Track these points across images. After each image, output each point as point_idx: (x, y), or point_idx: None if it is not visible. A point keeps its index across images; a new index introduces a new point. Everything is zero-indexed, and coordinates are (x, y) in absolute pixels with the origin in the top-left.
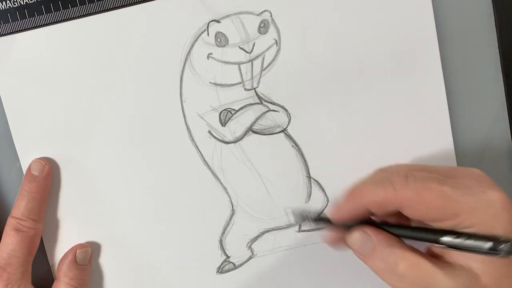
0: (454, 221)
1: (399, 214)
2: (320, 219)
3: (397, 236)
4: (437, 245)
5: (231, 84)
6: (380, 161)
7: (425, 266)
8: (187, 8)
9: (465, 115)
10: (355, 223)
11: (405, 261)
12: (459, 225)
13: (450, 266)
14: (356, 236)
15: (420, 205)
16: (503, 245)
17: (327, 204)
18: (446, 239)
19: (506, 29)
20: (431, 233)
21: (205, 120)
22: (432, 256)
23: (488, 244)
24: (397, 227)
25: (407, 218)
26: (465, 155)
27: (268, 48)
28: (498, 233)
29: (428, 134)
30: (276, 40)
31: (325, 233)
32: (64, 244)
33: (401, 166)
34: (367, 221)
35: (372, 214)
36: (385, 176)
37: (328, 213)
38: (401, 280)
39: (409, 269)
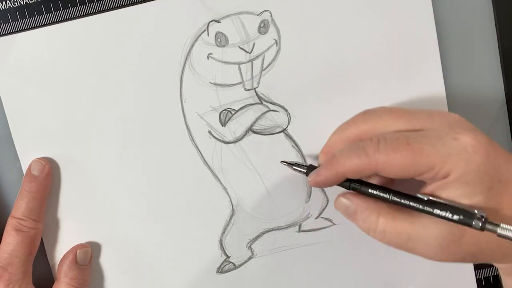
0: (431, 173)
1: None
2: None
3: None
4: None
5: (231, 84)
6: None
7: (402, 219)
8: (187, 8)
9: (465, 115)
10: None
11: (382, 219)
12: (436, 175)
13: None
14: (340, 201)
15: (394, 166)
16: (474, 221)
17: (327, 204)
18: (413, 204)
19: (506, 29)
20: (405, 199)
21: (205, 120)
22: None
23: (456, 217)
24: (378, 188)
25: None
26: None
27: (268, 48)
28: (472, 177)
29: None
30: (276, 40)
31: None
32: (64, 244)
33: (382, 113)
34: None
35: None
36: (359, 144)
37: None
38: (384, 236)
39: (387, 225)
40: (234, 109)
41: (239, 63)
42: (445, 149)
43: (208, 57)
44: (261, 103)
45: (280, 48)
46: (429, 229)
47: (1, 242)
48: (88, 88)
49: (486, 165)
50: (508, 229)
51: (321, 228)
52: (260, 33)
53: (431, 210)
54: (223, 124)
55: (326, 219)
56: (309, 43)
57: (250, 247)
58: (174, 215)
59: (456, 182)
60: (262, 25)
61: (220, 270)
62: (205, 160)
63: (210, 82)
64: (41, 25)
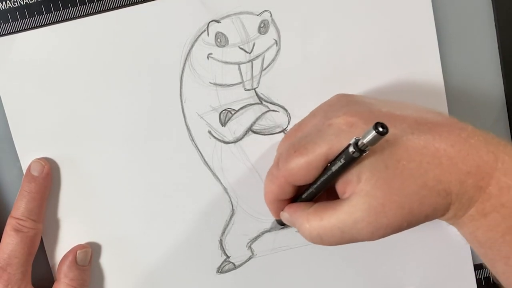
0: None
1: None
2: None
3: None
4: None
5: (231, 84)
6: None
7: (328, 217)
8: (187, 8)
9: (465, 115)
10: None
11: (312, 223)
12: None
13: (349, 199)
14: (282, 215)
15: (296, 175)
16: (352, 150)
17: None
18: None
19: (506, 29)
20: (319, 180)
21: (205, 120)
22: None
23: (343, 160)
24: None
25: None
26: None
27: (268, 48)
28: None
29: None
30: (276, 40)
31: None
32: (64, 245)
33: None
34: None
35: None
36: (269, 170)
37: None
38: (321, 239)
39: (318, 228)
40: (234, 109)
41: (239, 63)
42: (324, 138)
43: (208, 57)
44: (261, 103)
45: (280, 48)
46: (353, 214)
47: (1, 243)
48: (88, 88)
49: (359, 134)
50: (367, 135)
51: None
52: (260, 33)
53: (330, 170)
54: (223, 124)
55: None
56: (309, 43)
57: (250, 247)
58: (174, 215)
59: None
60: (262, 25)
61: (220, 270)
62: (205, 160)
63: (210, 82)
64: (41, 25)
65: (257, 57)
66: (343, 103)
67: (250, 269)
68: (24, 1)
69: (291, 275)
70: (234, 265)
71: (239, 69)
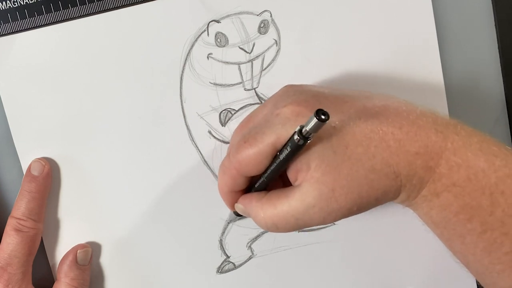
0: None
1: None
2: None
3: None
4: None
5: (231, 84)
6: None
7: (281, 205)
8: (187, 8)
9: (465, 116)
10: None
11: (266, 212)
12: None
13: (300, 187)
14: (236, 207)
15: (248, 166)
16: (296, 139)
17: None
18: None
19: (506, 29)
20: (269, 169)
21: (205, 120)
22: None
23: (289, 149)
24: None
25: None
26: None
27: (268, 48)
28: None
29: None
30: (276, 40)
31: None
32: (64, 244)
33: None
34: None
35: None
36: (222, 162)
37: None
38: (277, 227)
39: (272, 217)
40: (234, 109)
41: (239, 63)
42: (272, 128)
43: (208, 57)
44: (261, 103)
45: (280, 48)
46: (305, 201)
47: (1, 242)
48: (87, 88)
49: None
50: (310, 123)
51: (321, 228)
52: (260, 33)
53: (279, 159)
54: (223, 124)
55: None
56: (309, 43)
57: (250, 247)
58: (174, 215)
59: None
60: (262, 25)
61: (220, 270)
62: (205, 160)
63: (210, 82)
64: (41, 25)
65: (257, 57)
66: (291, 93)
67: (250, 269)
68: (24, 1)
69: (291, 275)
70: (234, 265)
71: (239, 69)
